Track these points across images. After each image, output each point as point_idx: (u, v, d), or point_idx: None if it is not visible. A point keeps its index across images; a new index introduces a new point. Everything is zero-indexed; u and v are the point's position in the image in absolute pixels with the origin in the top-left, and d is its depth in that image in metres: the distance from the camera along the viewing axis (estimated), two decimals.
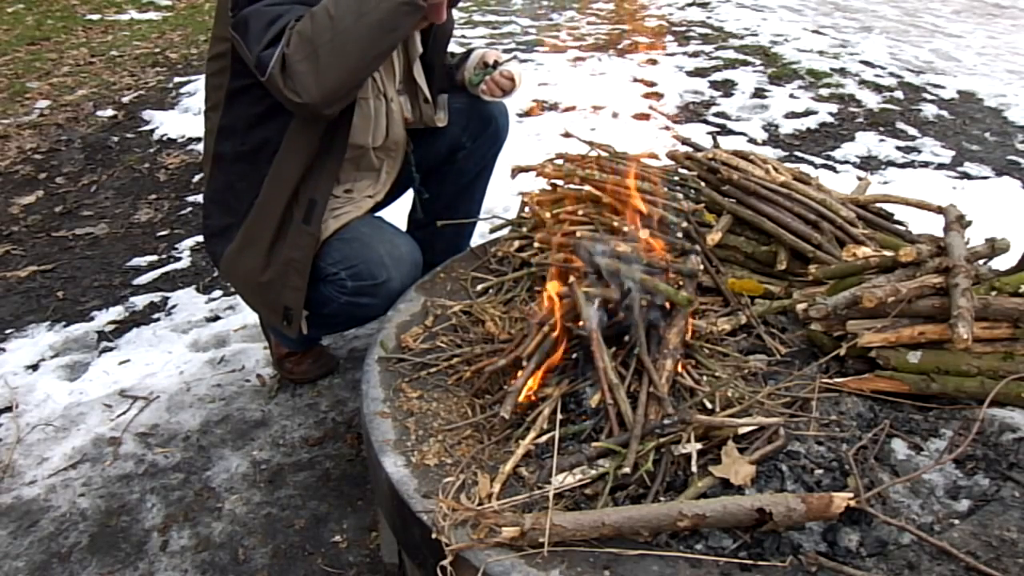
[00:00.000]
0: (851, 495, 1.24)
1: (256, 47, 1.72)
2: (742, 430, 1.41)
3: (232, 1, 1.79)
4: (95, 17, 7.19)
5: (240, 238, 2.03)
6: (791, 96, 4.86)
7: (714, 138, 2.41)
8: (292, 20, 1.71)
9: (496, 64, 2.21)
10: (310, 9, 1.72)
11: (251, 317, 2.69)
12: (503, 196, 2.97)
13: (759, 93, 4.93)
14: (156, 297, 2.97)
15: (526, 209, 2.13)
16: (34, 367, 2.59)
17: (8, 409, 2.38)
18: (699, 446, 1.37)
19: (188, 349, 2.63)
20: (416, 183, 2.35)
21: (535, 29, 6.44)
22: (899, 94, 4.93)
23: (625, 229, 1.78)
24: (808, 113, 4.62)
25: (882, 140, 4.25)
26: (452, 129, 2.27)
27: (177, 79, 5.36)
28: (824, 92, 4.93)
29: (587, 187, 1.96)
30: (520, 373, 1.52)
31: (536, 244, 1.97)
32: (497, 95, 2.22)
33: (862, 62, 5.52)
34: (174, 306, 2.91)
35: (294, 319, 2.02)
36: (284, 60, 1.68)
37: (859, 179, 2.35)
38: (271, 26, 1.71)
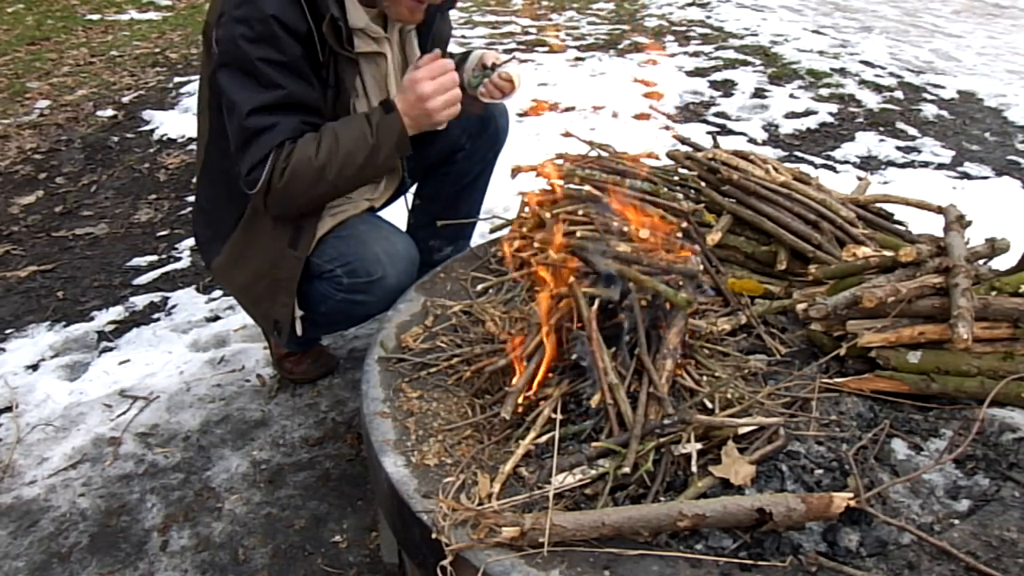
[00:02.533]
0: (851, 495, 1.24)
1: (241, 164, 1.81)
2: (742, 430, 1.41)
3: (215, 37, 1.77)
4: (95, 17, 7.19)
5: (228, 253, 2.06)
6: (791, 96, 4.86)
7: (714, 138, 2.40)
8: (279, 141, 1.77)
9: (495, 66, 2.20)
10: (304, 146, 1.78)
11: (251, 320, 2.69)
12: (503, 196, 2.97)
13: (759, 93, 4.93)
14: (156, 297, 2.97)
15: (526, 209, 2.13)
16: (34, 367, 2.59)
17: (8, 409, 2.38)
18: (699, 446, 1.37)
19: (188, 349, 2.63)
20: (407, 188, 2.35)
21: (535, 29, 6.44)
22: (899, 94, 4.93)
23: (625, 229, 1.78)
24: (808, 113, 4.62)
25: (882, 140, 4.25)
26: (451, 130, 2.26)
27: (177, 79, 5.36)
28: (824, 92, 4.93)
29: (587, 187, 1.96)
30: (520, 372, 1.52)
31: (536, 244, 1.97)
32: (496, 97, 2.21)
33: (862, 62, 5.52)
34: (174, 306, 2.91)
35: (284, 331, 2.05)
36: (270, 188, 1.80)
37: (859, 179, 2.35)
38: (255, 143, 1.78)
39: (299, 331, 2.05)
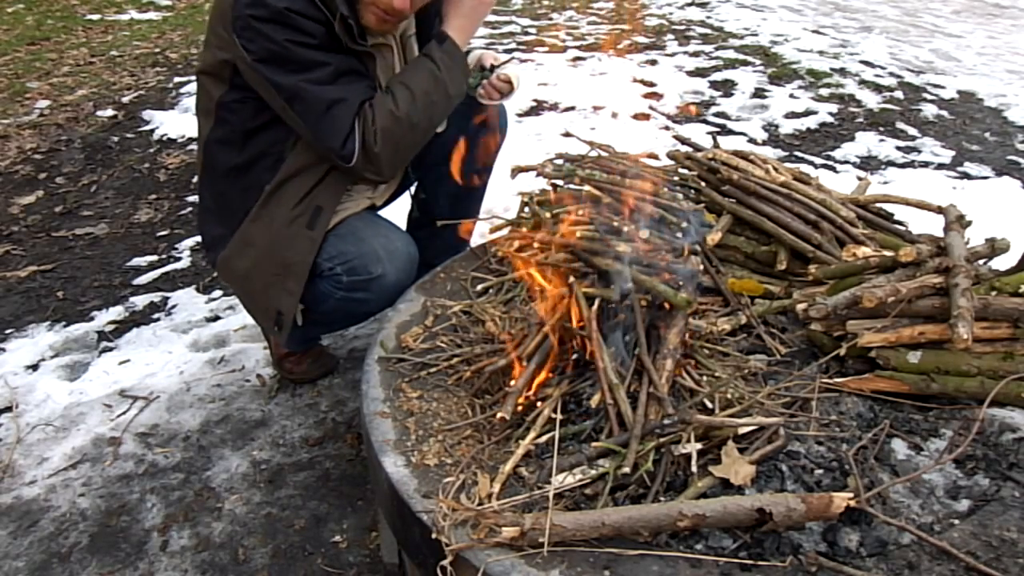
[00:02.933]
0: (851, 495, 1.24)
1: (329, 142, 1.84)
2: (742, 430, 1.41)
3: (242, 43, 1.79)
4: (95, 17, 7.19)
5: (238, 241, 2.04)
6: (791, 96, 4.86)
7: (714, 138, 2.40)
8: (355, 108, 1.82)
9: (493, 67, 2.19)
10: (381, 104, 1.83)
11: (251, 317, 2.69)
12: (503, 196, 2.97)
13: (759, 93, 4.93)
14: (156, 297, 2.97)
15: (526, 209, 2.13)
16: (34, 367, 2.59)
17: (8, 409, 2.38)
18: (699, 446, 1.37)
19: (188, 349, 2.63)
20: (411, 182, 2.36)
21: (535, 29, 6.44)
22: (899, 94, 4.93)
23: (625, 229, 1.77)
24: (808, 113, 4.62)
25: (882, 140, 4.25)
26: (451, 130, 2.27)
27: (177, 79, 5.36)
28: (824, 92, 4.93)
29: (587, 187, 1.96)
30: (520, 373, 1.52)
31: (536, 244, 1.97)
32: (495, 98, 2.21)
33: (862, 62, 5.52)
34: (174, 306, 2.91)
35: (285, 324, 2.04)
36: (368, 154, 1.85)
37: (859, 179, 2.35)
38: (331, 118, 1.82)
39: (299, 321, 2.05)
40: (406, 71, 1.93)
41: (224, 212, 2.08)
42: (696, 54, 5.69)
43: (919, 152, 4.12)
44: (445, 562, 1.20)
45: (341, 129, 1.82)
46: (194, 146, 4.25)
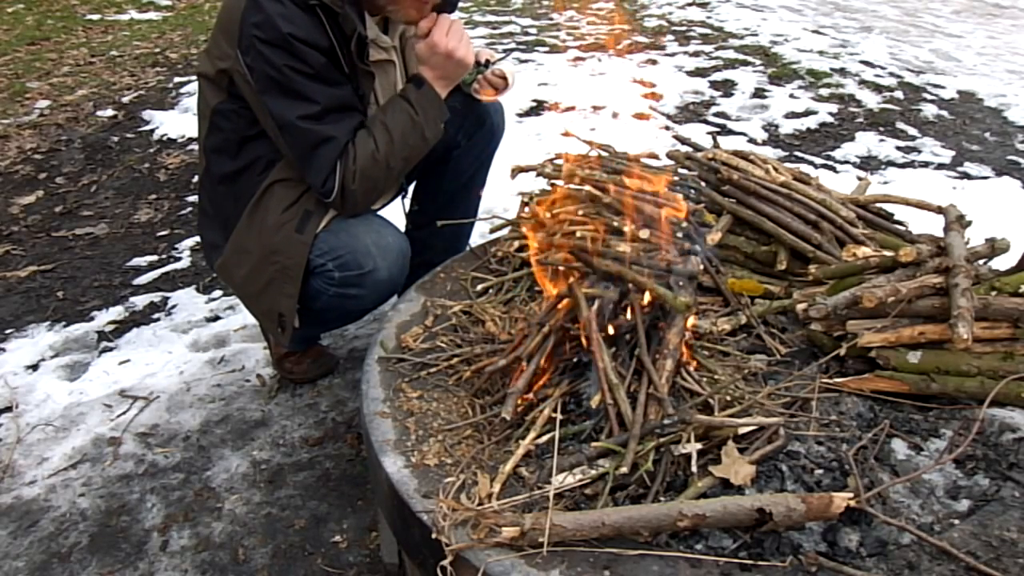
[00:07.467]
0: (851, 495, 1.24)
1: (310, 177, 1.90)
2: (742, 430, 1.41)
3: (247, 62, 1.82)
4: (95, 17, 7.19)
5: (233, 247, 2.07)
6: (791, 96, 4.86)
7: (714, 138, 2.40)
8: (339, 150, 1.85)
9: (488, 63, 2.20)
10: (363, 145, 1.87)
11: (251, 317, 2.68)
12: (503, 196, 2.97)
13: (759, 93, 4.93)
14: (156, 297, 2.97)
15: (526, 209, 2.13)
16: (34, 367, 2.59)
17: (8, 409, 2.38)
18: (699, 446, 1.37)
19: (188, 349, 2.63)
20: (405, 188, 2.36)
21: (535, 29, 6.43)
22: (899, 94, 4.93)
23: (625, 229, 1.77)
24: (808, 113, 4.62)
25: (882, 140, 4.25)
26: (447, 128, 2.27)
27: (177, 79, 5.36)
28: (824, 92, 4.93)
29: (587, 187, 1.96)
30: (521, 373, 1.52)
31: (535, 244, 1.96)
32: (489, 94, 2.22)
33: (862, 62, 5.52)
34: (174, 306, 2.91)
35: (287, 325, 2.05)
36: (345, 192, 1.90)
37: (859, 179, 2.35)
38: (317, 157, 1.86)
39: (296, 323, 2.06)
40: (386, 111, 1.94)
41: (219, 218, 2.10)
42: (696, 54, 5.69)
43: (919, 152, 4.12)
44: (445, 562, 1.20)
45: (323, 168, 1.87)
46: (194, 146, 4.25)
